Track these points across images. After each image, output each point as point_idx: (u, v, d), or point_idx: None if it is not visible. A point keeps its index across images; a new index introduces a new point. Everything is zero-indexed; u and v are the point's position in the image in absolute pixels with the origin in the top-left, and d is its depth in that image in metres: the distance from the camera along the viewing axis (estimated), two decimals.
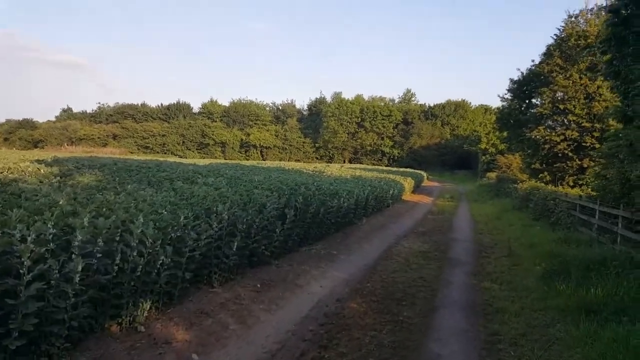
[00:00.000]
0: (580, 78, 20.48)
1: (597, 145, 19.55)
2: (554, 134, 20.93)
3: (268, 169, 20.18)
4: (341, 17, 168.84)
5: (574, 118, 20.28)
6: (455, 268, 9.09)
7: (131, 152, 79.30)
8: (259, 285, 6.60)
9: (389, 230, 13.65)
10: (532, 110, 23.49)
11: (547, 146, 21.07)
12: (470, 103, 76.00)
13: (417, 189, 34.21)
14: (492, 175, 37.37)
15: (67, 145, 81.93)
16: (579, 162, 20.38)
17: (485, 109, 69.75)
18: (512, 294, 7.20)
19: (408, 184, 27.91)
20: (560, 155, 20.77)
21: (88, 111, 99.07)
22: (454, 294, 7.15)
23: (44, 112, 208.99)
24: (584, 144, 20.02)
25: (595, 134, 19.78)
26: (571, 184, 20.12)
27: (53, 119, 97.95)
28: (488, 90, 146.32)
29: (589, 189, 19.03)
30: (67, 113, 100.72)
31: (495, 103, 74.89)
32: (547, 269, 7.86)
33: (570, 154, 20.51)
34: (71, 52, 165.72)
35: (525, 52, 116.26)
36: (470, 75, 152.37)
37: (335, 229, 11.97)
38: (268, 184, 9.65)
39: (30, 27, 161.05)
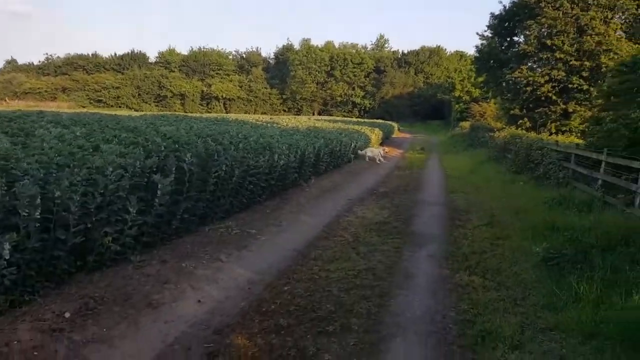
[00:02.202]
0: (572, 8, 17.63)
1: (585, 87, 17.21)
2: (537, 74, 18.35)
3: (202, 120, 16.96)
4: None
5: (562, 55, 17.65)
6: (420, 248, 6.53)
7: (82, 107, 73.11)
8: (67, 315, 3.60)
9: (342, 193, 10.99)
10: (515, 49, 20.71)
11: (529, 89, 18.57)
12: (445, 49, 72.46)
13: (387, 140, 31.66)
14: (466, 124, 35.11)
15: (9, 99, 74.56)
16: (564, 107, 18.04)
17: (461, 55, 66.51)
18: (502, 295, 4.70)
19: (375, 135, 25.19)
20: (543, 98, 18.35)
21: (35, 63, 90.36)
22: (416, 303, 4.56)
23: None
24: (570, 86, 17.60)
25: (584, 74, 17.33)
26: (553, 130, 17.87)
27: None
28: (465, 35, 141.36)
29: (573, 136, 16.87)
30: (11, 65, 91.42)
31: (472, 49, 71.90)
32: (551, 252, 5.36)
33: (554, 97, 18.10)
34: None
35: None
36: (446, 18, 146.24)
37: (269, 194, 9.20)
38: (132, 138, 6.59)
39: None
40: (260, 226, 7.31)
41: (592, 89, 17.00)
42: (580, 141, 13.98)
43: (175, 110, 69.89)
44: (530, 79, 18.40)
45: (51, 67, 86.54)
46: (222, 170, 6.93)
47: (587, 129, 17.51)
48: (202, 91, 78.72)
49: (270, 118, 28.07)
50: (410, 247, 6.58)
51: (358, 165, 16.97)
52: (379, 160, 17.65)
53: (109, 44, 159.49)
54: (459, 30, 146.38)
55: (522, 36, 21.18)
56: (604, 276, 4.34)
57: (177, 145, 6.33)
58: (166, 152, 6.01)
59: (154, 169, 5.35)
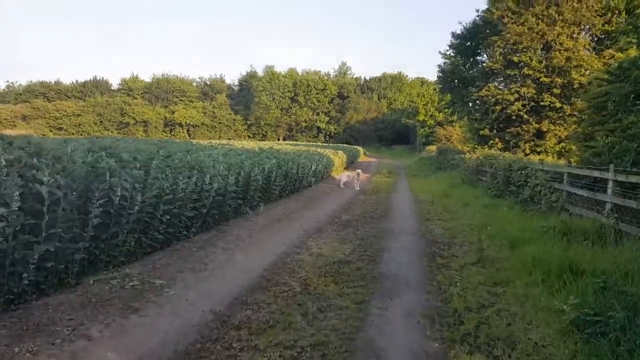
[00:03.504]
0: (537, 24, 16.97)
1: (558, 104, 16.36)
2: (506, 92, 17.43)
3: (140, 141, 14.85)
4: None
5: (531, 72, 16.84)
6: (392, 302, 4.66)
7: (42, 134, 69.29)
8: None
9: (296, 223, 9.05)
10: (480, 67, 19.90)
11: (498, 107, 17.60)
12: (407, 75, 73.39)
13: (352, 164, 30.28)
14: (433, 148, 34.33)
15: None
16: (537, 126, 17.09)
17: (422, 82, 67.35)
18: None
19: (339, 158, 23.64)
20: (514, 117, 17.38)
21: None
22: None
23: None
24: (542, 104, 16.71)
25: (555, 91, 16.51)
26: (528, 151, 16.83)
27: None
28: (425, 61, 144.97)
29: (550, 157, 15.84)
30: None
31: (432, 76, 73.30)
32: (586, 312, 3.59)
33: (525, 116, 17.16)
34: None
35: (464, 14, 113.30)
36: (406, 46, 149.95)
37: (200, 226, 7.18)
38: None
39: None
40: (174, 273, 5.26)
41: (565, 106, 16.24)
42: (560, 162, 12.89)
43: (137, 137, 67.10)
44: (499, 97, 17.51)
45: (12, 95, 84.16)
46: (117, 197, 4.90)
47: (563, 150, 16.68)
48: (165, 118, 77.16)
49: (228, 141, 26.05)
50: (379, 299, 4.70)
51: (319, 190, 15.17)
52: (356, 184, 16.00)
53: (72, 72, 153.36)
54: (419, 57, 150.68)
55: (485, 55, 20.53)
56: None
57: (35, 160, 4.25)
58: (8, 170, 3.93)
59: None
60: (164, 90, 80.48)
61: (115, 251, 5.16)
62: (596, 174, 7.07)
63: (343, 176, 17.06)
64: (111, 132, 76.38)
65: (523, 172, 10.34)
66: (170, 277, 5.11)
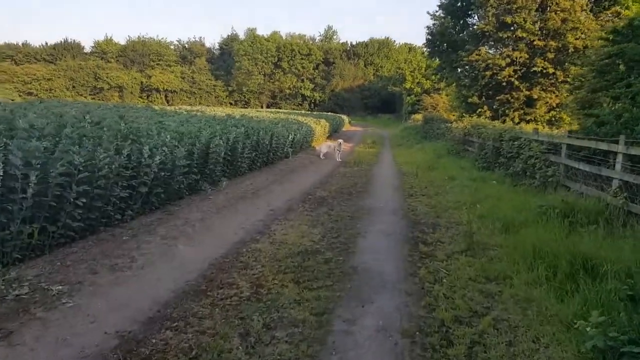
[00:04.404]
0: None
1: (550, 70, 15.31)
2: (497, 56, 16.26)
3: (98, 106, 13.39)
4: None
5: (524, 34, 15.64)
6: (363, 309, 3.70)
7: (11, 99, 65.53)
8: None
9: (262, 200, 7.99)
10: (470, 30, 18.57)
11: (488, 73, 16.48)
12: (394, 41, 71.16)
13: (335, 133, 29.16)
14: (418, 117, 33.25)
15: None
16: (527, 93, 16.07)
17: (410, 48, 65.39)
18: None
19: (321, 127, 22.42)
20: (504, 84, 16.30)
21: None
22: None
23: None
24: (534, 69, 15.63)
25: (549, 55, 15.41)
26: (517, 120, 15.88)
27: None
28: (413, 28, 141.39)
29: (540, 126, 14.96)
30: None
31: (421, 41, 71.26)
32: (617, 338, 2.66)
33: (516, 82, 16.09)
34: None
35: None
36: (395, 11, 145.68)
37: (140, 207, 6.07)
38: None
39: None
40: (84, 273, 4.18)
41: (558, 72, 15.25)
42: (551, 131, 12.03)
43: (113, 103, 64.24)
44: (490, 62, 16.36)
45: None
46: None
47: (553, 118, 15.82)
48: (142, 83, 73.73)
49: (201, 108, 24.52)
50: (346, 307, 3.72)
51: (296, 162, 14.07)
52: (337, 156, 14.94)
53: (41, 33, 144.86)
54: (408, 22, 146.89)
55: (476, 16, 19.17)
56: None
57: None
58: None
59: None
60: (139, 54, 76.56)
61: (6, 246, 4.04)
62: (603, 146, 6.12)
63: (323, 146, 16.00)
64: (84, 97, 72.90)
65: (515, 142, 9.40)
66: (77, 279, 4.01)
